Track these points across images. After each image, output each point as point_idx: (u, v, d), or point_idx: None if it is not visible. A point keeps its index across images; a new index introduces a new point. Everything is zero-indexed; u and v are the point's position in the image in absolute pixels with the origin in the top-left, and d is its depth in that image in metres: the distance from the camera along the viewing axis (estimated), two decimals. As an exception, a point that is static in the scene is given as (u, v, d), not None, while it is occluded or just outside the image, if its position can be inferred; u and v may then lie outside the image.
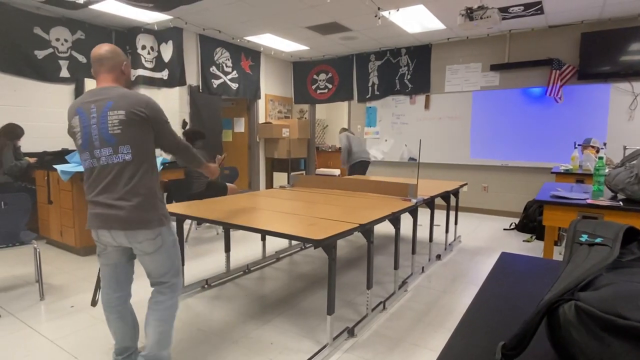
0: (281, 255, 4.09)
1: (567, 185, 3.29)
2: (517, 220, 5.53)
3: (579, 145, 4.86)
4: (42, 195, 4.33)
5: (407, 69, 6.90)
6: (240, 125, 7.72)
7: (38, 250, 3.02)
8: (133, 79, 5.88)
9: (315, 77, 8.03)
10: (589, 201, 2.41)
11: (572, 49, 5.52)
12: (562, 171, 4.51)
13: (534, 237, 4.87)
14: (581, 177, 4.28)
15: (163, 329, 1.90)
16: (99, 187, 1.78)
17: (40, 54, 5.13)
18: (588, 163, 4.37)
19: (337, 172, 9.57)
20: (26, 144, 4.50)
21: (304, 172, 8.19)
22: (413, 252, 3.46)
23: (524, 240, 4.78)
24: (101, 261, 1.93)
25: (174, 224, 2.02)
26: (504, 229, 5.36)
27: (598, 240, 0.58)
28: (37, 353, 2.24)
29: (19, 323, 2.58)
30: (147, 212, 1.78)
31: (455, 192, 4.20)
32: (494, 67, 6.10)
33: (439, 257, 4.00)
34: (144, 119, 1.78)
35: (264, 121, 7.66)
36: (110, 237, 1.81)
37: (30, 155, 4.61)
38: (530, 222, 5.13)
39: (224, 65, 6.67)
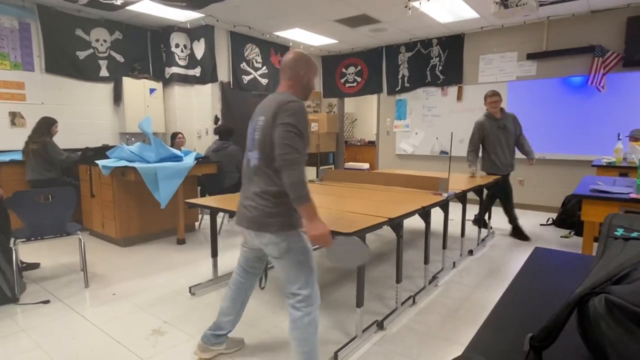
0: (311, 249, 4.14)
1: (609, 179, 3.14)
2: (554, 216, 5.32)
3: (625, 136, 4.60)
4: (85, 189, 4.58)
5: (439, 60, 6.75)
6: (270, 120, 7.81)
7: (83, 241, 3.21)
8: (167, 76, 6.08)
9: (344, 70, 8.00)
10: (632, 195, 2.29)
11: (617, 35, 5.21)
12: (604, 164, 4.29)
13: (572, 233, 4.67)
14: (625, 171, 4.06)
15: (304, 349, 1.79)
16: (243, 186, 1.91)
17: (81, 54, 5.40)
18: (634, 155, 4.14)
19: (366, 166, 9.53)
20: (70, 140, 4.76)
21: (332, 166, 8.21)
22: (444, 246, 3.41)
23: (561, 236, 4.60)
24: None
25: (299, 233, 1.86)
26: (541, 225, 5.17)
27: (634, 234, 0.56)
28: (83, 336, 2.39)
29: (67, 309, 2.76)
30: (269, 217, 1.75)
31: (489, 187, 4.10)
32: (531, 56, 5.85)
33: (471, 252, 3.93)
34: (270, 123, 1.72)
35: (294, 116, 7.71)
36: (247, 234, 1.89)
37: (73, 150, 4.87)
38: (568, 217, 4.92)
39: (254, 61, 6.77)
